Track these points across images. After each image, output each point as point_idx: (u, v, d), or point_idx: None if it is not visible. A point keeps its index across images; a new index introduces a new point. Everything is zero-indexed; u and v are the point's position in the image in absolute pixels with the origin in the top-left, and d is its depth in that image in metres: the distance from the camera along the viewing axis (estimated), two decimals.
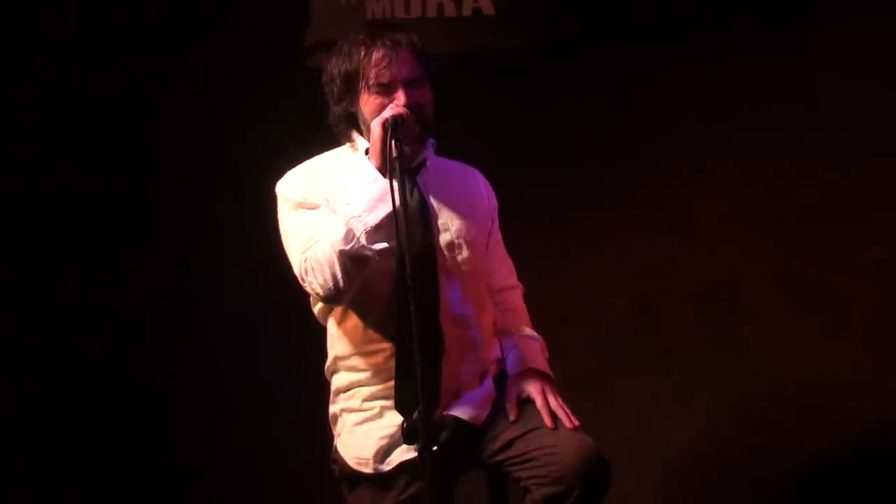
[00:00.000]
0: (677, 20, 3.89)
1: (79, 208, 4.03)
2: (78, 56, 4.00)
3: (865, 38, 3.81)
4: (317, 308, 2.85)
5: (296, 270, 2.69)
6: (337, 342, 2.82)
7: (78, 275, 4.00)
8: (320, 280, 2.61)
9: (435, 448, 2.41)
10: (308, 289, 2.69)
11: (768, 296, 3.90)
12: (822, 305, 3.84)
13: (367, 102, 2.70)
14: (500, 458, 2.69)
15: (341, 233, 2.57)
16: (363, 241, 2.57)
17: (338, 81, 2.74)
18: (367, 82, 2.69)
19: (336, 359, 2.83)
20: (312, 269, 2.62)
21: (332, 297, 2.66)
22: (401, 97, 2.66)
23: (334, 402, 2.85)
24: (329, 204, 2.69)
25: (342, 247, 2.56)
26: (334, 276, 2.59)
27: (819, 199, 3.86)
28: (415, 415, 2.42)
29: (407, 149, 2.62)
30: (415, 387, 2.41)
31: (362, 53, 2.69)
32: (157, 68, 4.00)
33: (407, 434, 2.51)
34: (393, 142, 2.55)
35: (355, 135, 2.80)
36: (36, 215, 4.01)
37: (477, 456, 2.73)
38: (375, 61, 2.68)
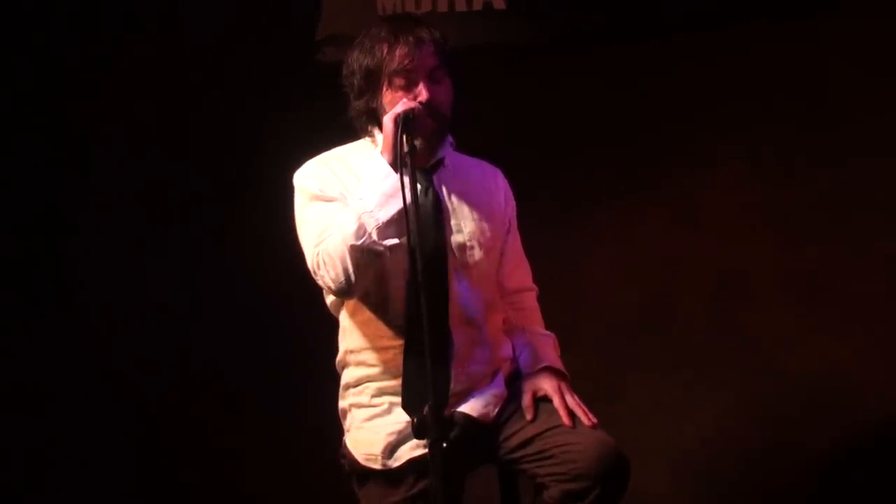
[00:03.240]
0: (687, 15, 3.88)
1: (90, 203, 4.04)
2: (95, 56, 4.01)
3: (875, 32, 3.80)
4: (329, 300, 2.86)
5: (309, 263, 2.69)
6: (348, 336, 2.82)
7: (91, 269, 4.01)
8: (332, 274, 2.62)
9: (444, 444, 2.41)
10: (320, 282, 2.69)
11: (778, 291, 3.89)
12: (832, 300, 3.83)
13: (389, 98, 2.70)
14: (516, 455, 2.70)
15: (353, 227, 2.57)
16: (374, 236, 2.57)
17: (358, 76, 2.74)
18: (388, 78, 2.70)
19: (347, 352, 2.83)
20: (324, 262, 2.63)
21: (344, 291, 2.67)
22: (423, 91, 2.67)
23: (344, 396, 2.86)
24: (345, 197, 2.70)
25: (353, 241, 2.57)
26: (346, 271, 2.60)
27: (829, 193, 3.84)
28: (425, 410, 2.42)
29: (418, 143, 2.63)
30: (423, 385, 2.42)
31: (385, 49, 2.69)
32: (167, 68, 4.01)
33: (417, 429, 2.50)
34: (404, 137, 2.55)
35: (376, 130, 2.79)
36: (51, 211, 4.02)
37: (490, 453, 2.74)
38: (399, 57, 2.68)
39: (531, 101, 3.97)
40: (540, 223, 3.72)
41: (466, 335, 2.74)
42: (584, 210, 4.01)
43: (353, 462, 2.77)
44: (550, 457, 2.63)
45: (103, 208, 4.04)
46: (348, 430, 2.83)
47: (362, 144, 2.84)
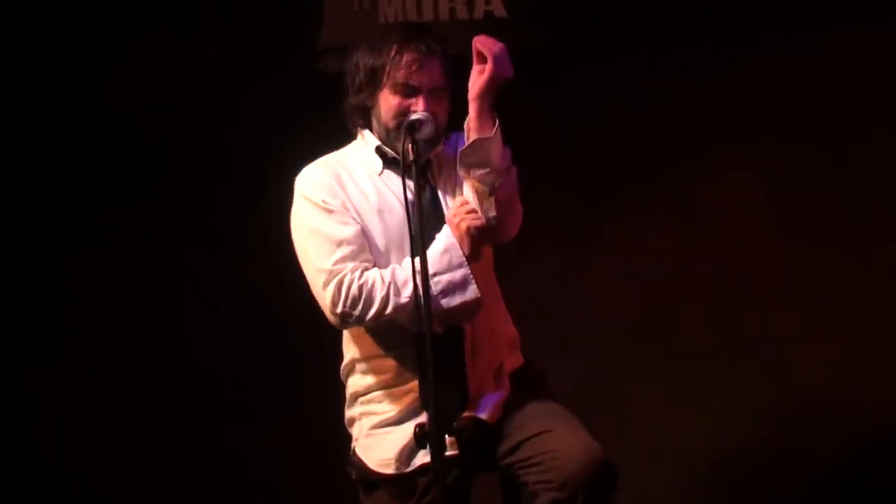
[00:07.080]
0: (689, 23, 3.89)
1: (97, 210, 4.06)
2: (99, 60, 4.03)
3: (877, 39, 3.81)
4: None
5: (320, 282, 2.66)
6: (354, 344, 2.81)
7: (100, 277, 4.04)
8: (349, 304, 2.63)
9: (454, 452, 2.46)
10: (326, 298, 2.65)
11: (782, 297, 3.90)
12: (835, 307, 3.83)
13: (386, 100, 2.71)
14: (509, 460, 2.70)
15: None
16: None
17: (362, 73, 2.73)
18: (391, 81, 2.70)
19: (353, 361, 2.82)
20: (357, 293, 2.63)
21: (343, 321, 2.68)
22: (420, 104, 2.68)
23: (352, 405, 2.85)
24: (346, 210, 2.70)
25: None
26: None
27: (832, 200, 3.86)
28: (426, 421, 2.45)
29: (424, 142, 2.65)
30: (440, 383, 2.44)
31: (393, 51, 2.69)
32: (172, 72, 4.03)
33: (419, 439, 2.52)
34: (410, 145, 2.57)
35: (364, 130, 2.80)
36: (60, 218, 4.04)
37: (490, 456, 2.73)
38: (406, 62, 2.68)
39: (531, 109, 3.97)
40: (541, 233, 3.74)
41: (472, 327, 2.73)
42: (585, 219, 4.01)
43: (363, 469, 2.77)
44: (539, 463, 2.63)
45: (114, 215, 4.06)
46: (357, 439, 2.82)
47: (356, 146, 2.84)
